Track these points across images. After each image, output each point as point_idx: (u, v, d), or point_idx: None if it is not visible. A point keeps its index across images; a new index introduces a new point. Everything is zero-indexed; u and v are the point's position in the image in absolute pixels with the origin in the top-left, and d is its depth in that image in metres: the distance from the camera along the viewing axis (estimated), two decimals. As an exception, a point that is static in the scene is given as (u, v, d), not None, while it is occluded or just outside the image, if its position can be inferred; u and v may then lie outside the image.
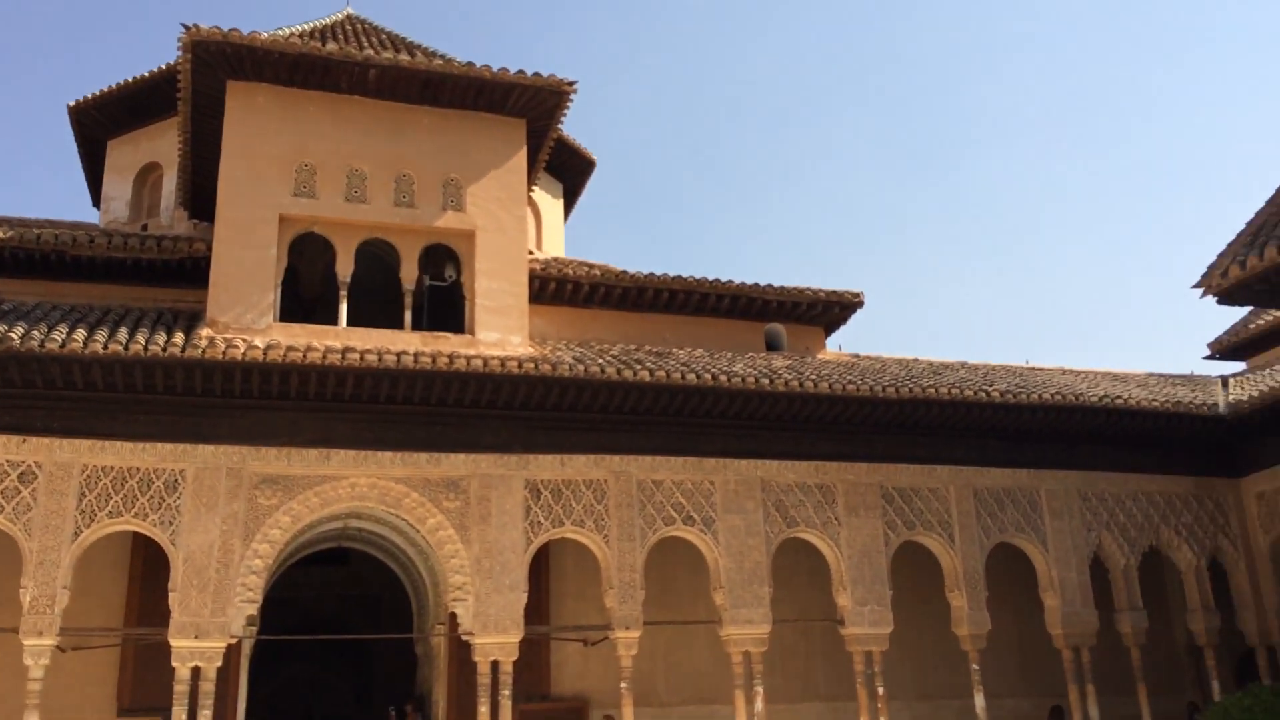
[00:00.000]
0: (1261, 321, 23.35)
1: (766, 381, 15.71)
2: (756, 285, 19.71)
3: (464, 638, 14.67)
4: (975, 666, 16.61)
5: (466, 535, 14.75)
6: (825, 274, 66.34)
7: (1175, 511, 18.37)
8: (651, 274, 19.18)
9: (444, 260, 17.41)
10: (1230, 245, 13.71)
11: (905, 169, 62.70)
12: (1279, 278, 13.10)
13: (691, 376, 15.40)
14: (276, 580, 17.18)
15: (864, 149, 63.16)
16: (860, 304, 20.40)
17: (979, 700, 16.46)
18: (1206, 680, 18.10)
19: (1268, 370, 19.73)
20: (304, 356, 13.87)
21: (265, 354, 13.74)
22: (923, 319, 57.80)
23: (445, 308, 17.53)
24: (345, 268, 16.37)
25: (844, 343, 27.75)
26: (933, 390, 16.57)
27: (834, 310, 20.49)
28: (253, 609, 13.88)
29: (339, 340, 15.28)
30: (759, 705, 15.37)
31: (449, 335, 16.25)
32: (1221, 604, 18.32)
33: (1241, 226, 13.80)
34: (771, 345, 20.16)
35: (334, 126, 16.67)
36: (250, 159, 16.08)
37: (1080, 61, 60.95)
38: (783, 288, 19.92)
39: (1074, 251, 61.07)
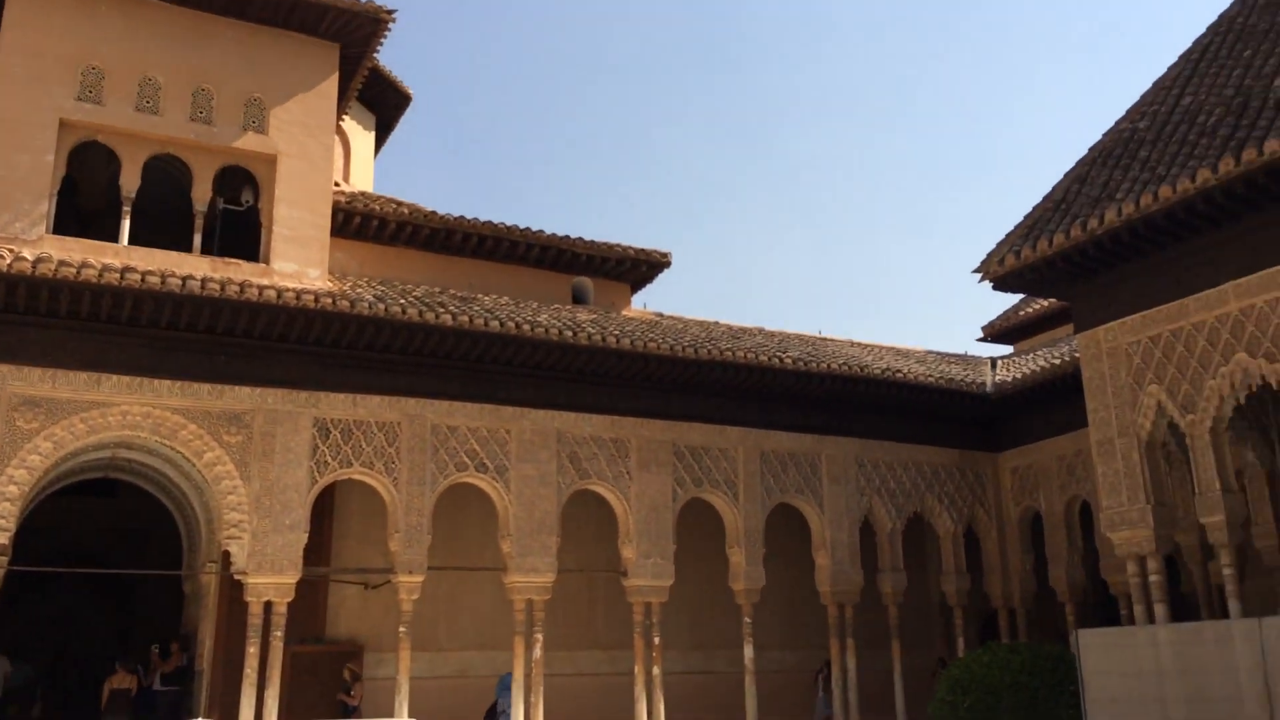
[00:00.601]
0: (1031, 309, 25.12)
1: (570, 334, 15.76)
2: (567, 237, 19.71)
3: (237, 577, 14.18)
4: (747, 619, 17.33)
5: (247, 472, 14.21)
6: (636, 232, 66.90)
7: (940, 481, 19.64)
8: (461, 217, 18.86)
9: (242, 184, 16.57)
10: (1009, 236, 14.67)
11: (723, 136, 63.83)
12: (1049, 269, 14.13)
13: (495, 324, 15.28)
14: (34, 510, 16.08)
15: (685, 112, 63.86)
16: (668, 264, 20.74)
17: (748, 651, 17.21)
18: (954, 637, 19.54)
19: (1032, 355, 21.27)
20: (78, 273, 12.94)
21: (34, 268, 12.73)
22: (727, 284, 59.29)
23: (240, 234, 16.71)
24: (130, 182, 15.36)
25: (649, 301, 28.18)
26: (730, 353, 17.04)
27: (642, 268, 20.74)
28: (4, 538, 12.96)
29: (118, 259, 14.34)
30: (537, 652, 15.56)
31: (241, 263, 15.53)
32: (973, 568, 19.77)
33: (1020, 219, 14.80)
34: (578, 299, 20.24)
35: (127, 29, 15.54)
36: (30, 56, 14.82)
37: (896, 49, 63.48)
38: (593, 242, 19.99)
39: (871, 230, 63.92)
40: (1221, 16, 14.76)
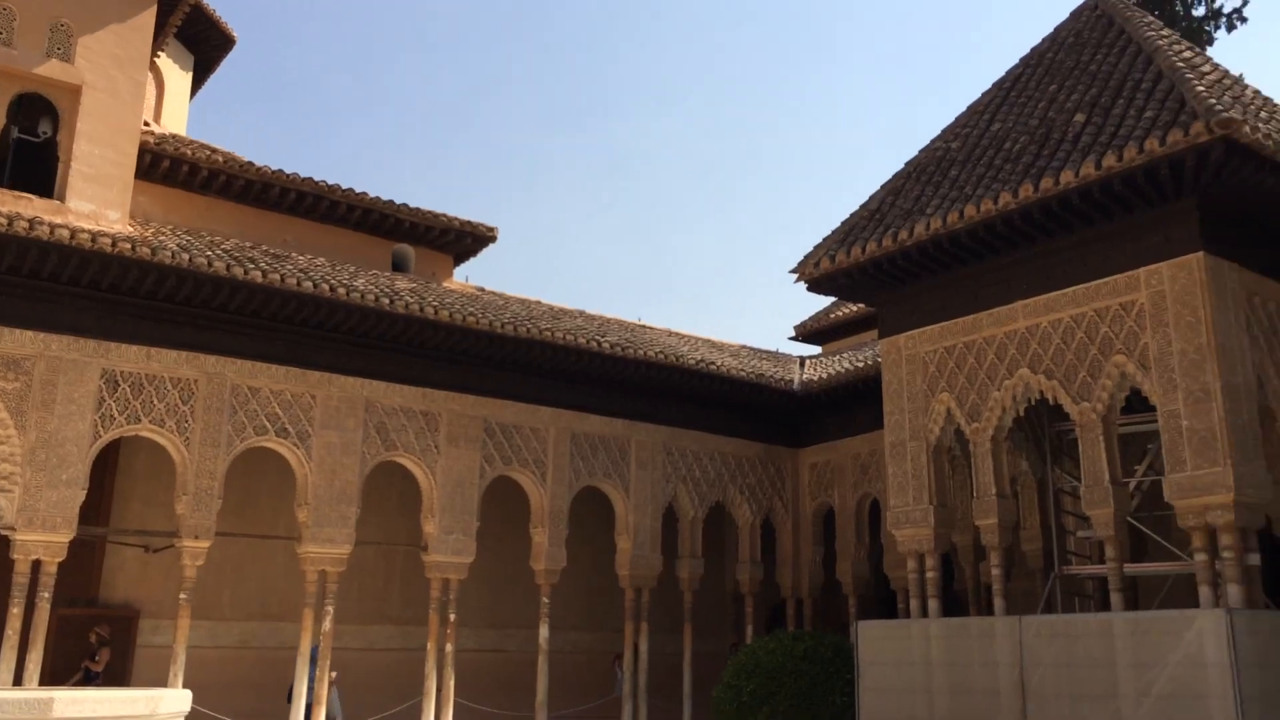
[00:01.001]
0: (841, 313, 26.08)
1: (386, 301, 15.39)
2: (391, 203, 19.23)
3: (3, 533, 13.24)
4: (545, 600, 17.39)
5: (23, 421, 13.28)
6: (462, 204, 65.99)
7: (743, 473, 20.18)
8: (280, 171, 18.13)
9: (41, 114, 15.44)
10: (826, 239, 15.17)
11: (557, 116, 63.60)
12: (860, 275, 14.70)
13: (308, 285, 14.75)
14: None
15: (518, 87, 63.28)
16: (493, 238, 20.52)
17: (544, 631, 17.27)
18: (744, 625, 20.17)
19: (838, 356, 22.11)
20: None
21: None
22: (550, 264, 59.20)
23: (36, 168, 15.56)
24: (-91, 98, 14.08)
25: (472, 275, 27.80)
26: (549, 334, 17.00)
27: (466, 240, 20.45)
28: None
29: (-112, 180, 13.13)
30: (327, 624, 15.17)
31: (34, 198, 14.46)
32: (767, 559, 20.42)
33: (837, 225, 15.34)
34: (398, 266, 19.79)
35: (-85, -70, 14.20)
36: None
37: (728, 45, 64.65)
38: (418, 210, 19.58)
39: (695, 223, 65.04)
40: (1033, 50, 15.64)
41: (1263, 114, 12.26)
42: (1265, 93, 13.82)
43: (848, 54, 66.82)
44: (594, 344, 17.57)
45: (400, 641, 18.58)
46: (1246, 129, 10.98)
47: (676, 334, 22.52)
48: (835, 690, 14.58)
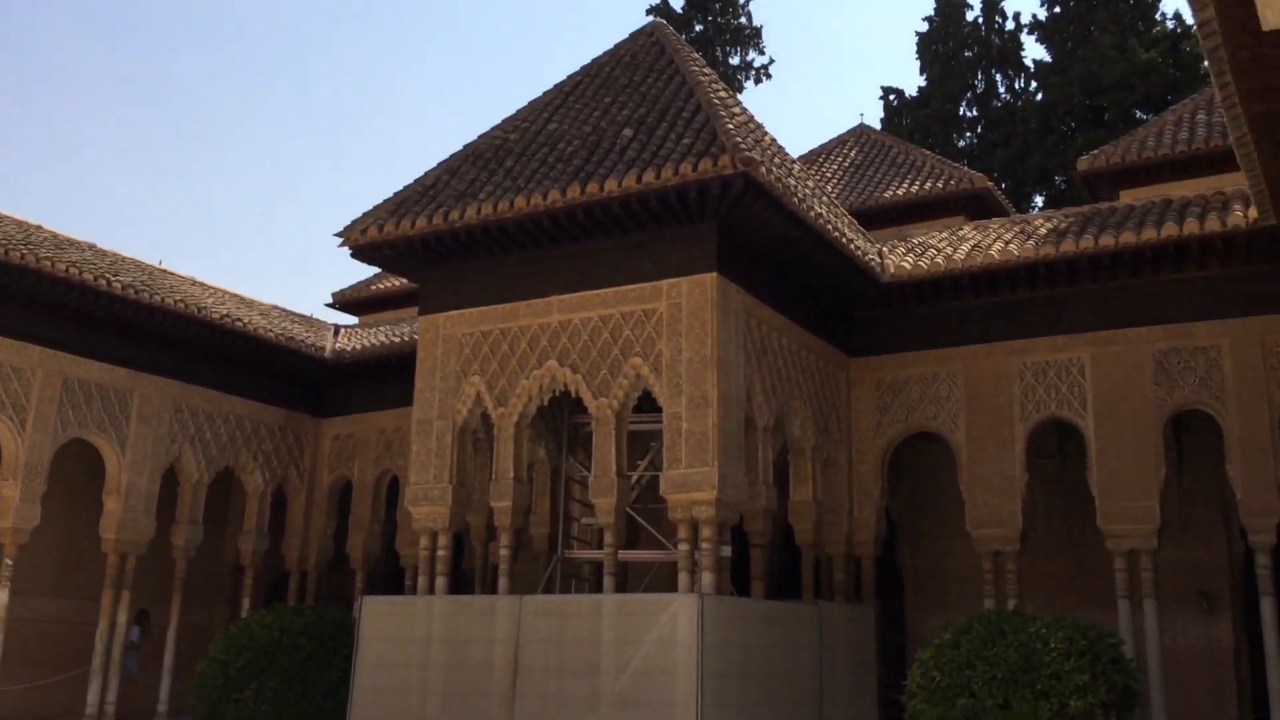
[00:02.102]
0: (383, 286, 25.78)
1: None
2: None
3: None
4: (9, 561, 15.40)
5: None
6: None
7: (260, 438, 19.22)
8: None
9: None
10: (376, 208, 14.86)
11: (91, 22, 56.72)
12: (408, 249, 14.56)
13: None
14: None
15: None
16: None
17: (2, 596, 15.29)
18: (240, 596, 19.22)
19: (376, 329, 21.77)
20: None
21: None
22: (63, 191, 52.67)
23: None
24: None
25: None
26: (48, 263, 15.06)
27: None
28: None
29: None
30: None
31: None
32: (275, 530, 19.62)
33: (389, 196, 15.08)
34: None
35: None
36: None
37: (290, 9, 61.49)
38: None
39: (238, 173, 61.09)
40: (594, 62, 16.44)
41: (776, 160, 13.85)
42: (780, 143, 15.64)
43: (419, 29, 66.28)
44: (102, 282, 15.86)
45: None
46: (763, 169, 12.33)
47: (202, 284, 20.91)
48: (332, 666, 14.33)
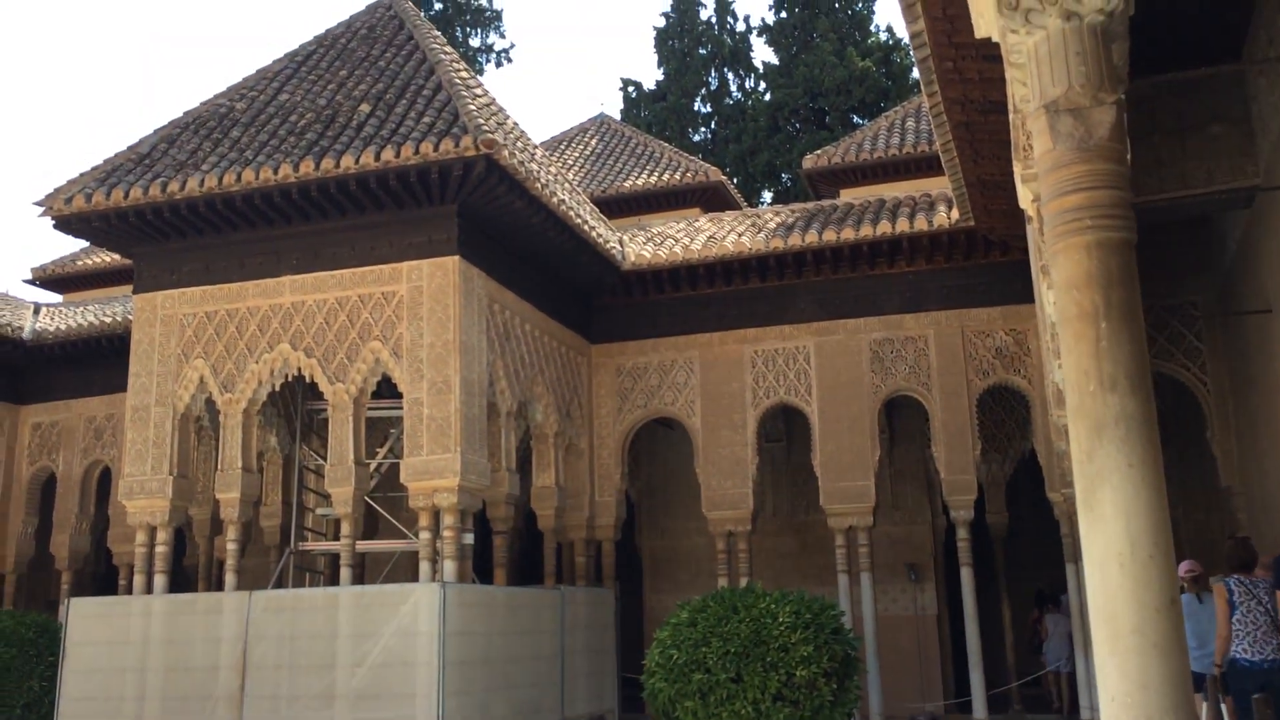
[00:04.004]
0: (91, 261, 23.75)
1: None
2: None
3: None
4: None
5: None
6: None
7: (-56, 428, 17.26)
8: None
9: None
10: (84, 175, 13.67)
11: None
12: (120, 222, 13.46)
13: None
14: None
15: None
16: None
17: None
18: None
19: (83, 308, 20.01)
20: None
21: None
22: None
23: None
24: None
25: None
26: None
27: None
28: None
29: None
30: None
31: None
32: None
33: (99, 163, 13.89)
34: None
35: None
36: None
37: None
38: None
39: (-82, 131, 54.58)
40: (328, 32, 15.78)
41: (519, 144, 13.81)
42: (522, 127, 15.60)
43: (132, -16, 61.38)
44: None
45: None
46: (506, 152, 12.25)
47: None
48: (34, 675, 13.13)
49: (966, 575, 14.65)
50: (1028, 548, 18.38)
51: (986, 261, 15.00)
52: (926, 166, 20.13)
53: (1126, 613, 4.66)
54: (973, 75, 9.43)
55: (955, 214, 14.53)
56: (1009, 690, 16.77)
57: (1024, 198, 8.59)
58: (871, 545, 15.00)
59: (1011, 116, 7.95)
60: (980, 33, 5.81)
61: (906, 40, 16.98)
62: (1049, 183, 5.25)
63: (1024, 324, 14.72)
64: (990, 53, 7.97)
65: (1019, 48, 5.41)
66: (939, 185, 16.34)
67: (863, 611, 14.71)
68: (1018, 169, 8.22)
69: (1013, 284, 14.58)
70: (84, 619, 12.77)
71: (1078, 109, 5.15)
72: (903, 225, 14.87)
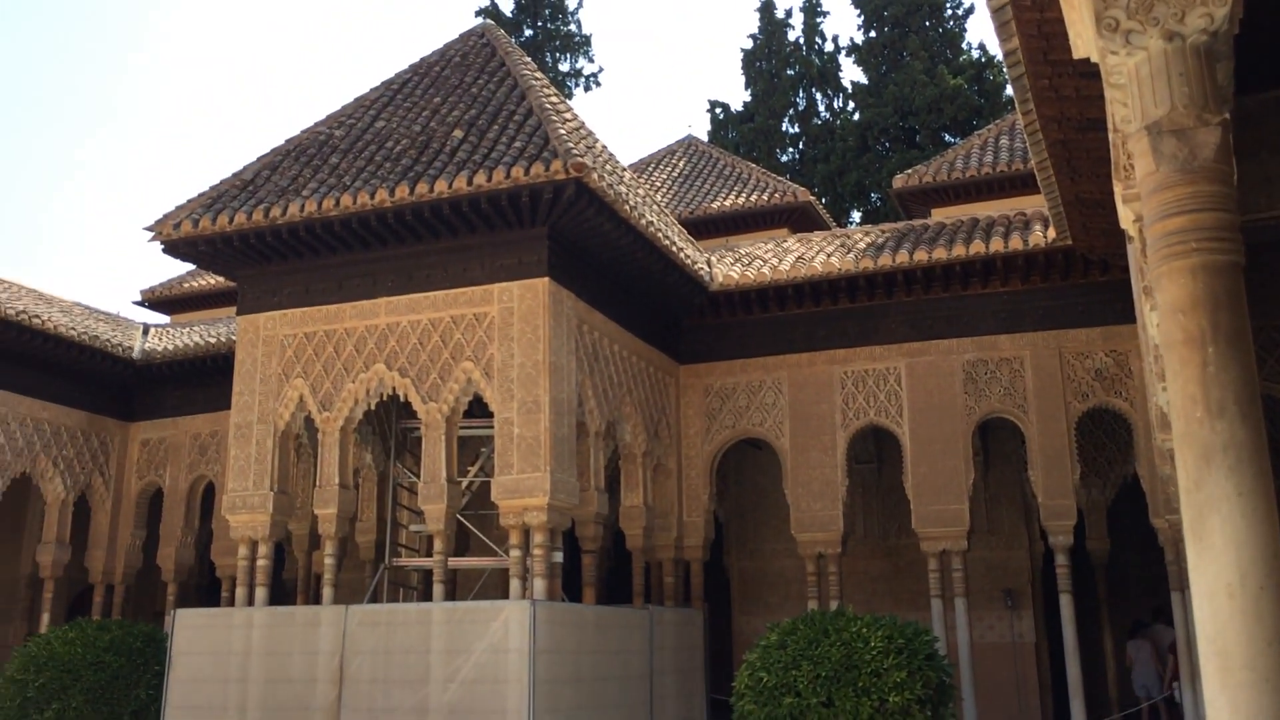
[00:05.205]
0: (197, 283, 24.62)
1: None
2: None
3: None
4: None
5: None
6: None
7: (60, 443, 18.03)
8: None
9: None
10: (191, 202, 14.18)
11: None
12: (225, 246, 13.95)
13: None
14: None
15: None
16: None
17: None
18: (39, 611, 17.98)
19: (189, 329, 20.75)
20: None
21: None
22: None
23: None
24: None
25: None
26: None
27: None
28: None
29: None
30: None
31: None
32: (77, 540, 18.43)
33: (205, 189, 14.42)
34: None
35: None
36: None
37: (104, -28, 58.15)
38: None
39: (36, 162, 57.23)
40: (423, 60, 16.17)
41: (608, 166, 13.96)
42: (610, 150, 15.76)
43: (230, 17, 63.66)
44: (-119, 275, 14.56)
45: None
46: (595, 175, 12.39)
47: (-6, 278, 19.50)
48: (142, 684, 13.56)
49: (1066, 602, 14.28)
50: (1131, 575, 17.87)
51: (1085, 281, 14.67)
52: (1021, 185, 19.79)
53: (1238, 647, 4.51)
54: (1070, 92, 9.26)
55: (1052, 233, 14.25)
56: (1110, 722, 16.28)
57: (1125, 218, 8.40)
58: (966, 570, 14.72)
59: (1111, 136, 7.78)
60: (1079, 53, 5.72)
61: (1000, 58, 16.76)
62: (1152, 205, 5.14)
63: (1125, 345, 14.34)
64: (1088, 70, 7.83)
65: (1119, 69, 5.31)
66: (1034, 204, 16.04)
67: (957, 638, 14.43)
68: (1118, 189, 8.04)
69: (1113, 304, 14.24)
70: (189, 630, 13.20)
71: (1181, 130, 5.03)
72: (997, 244, 14.63)
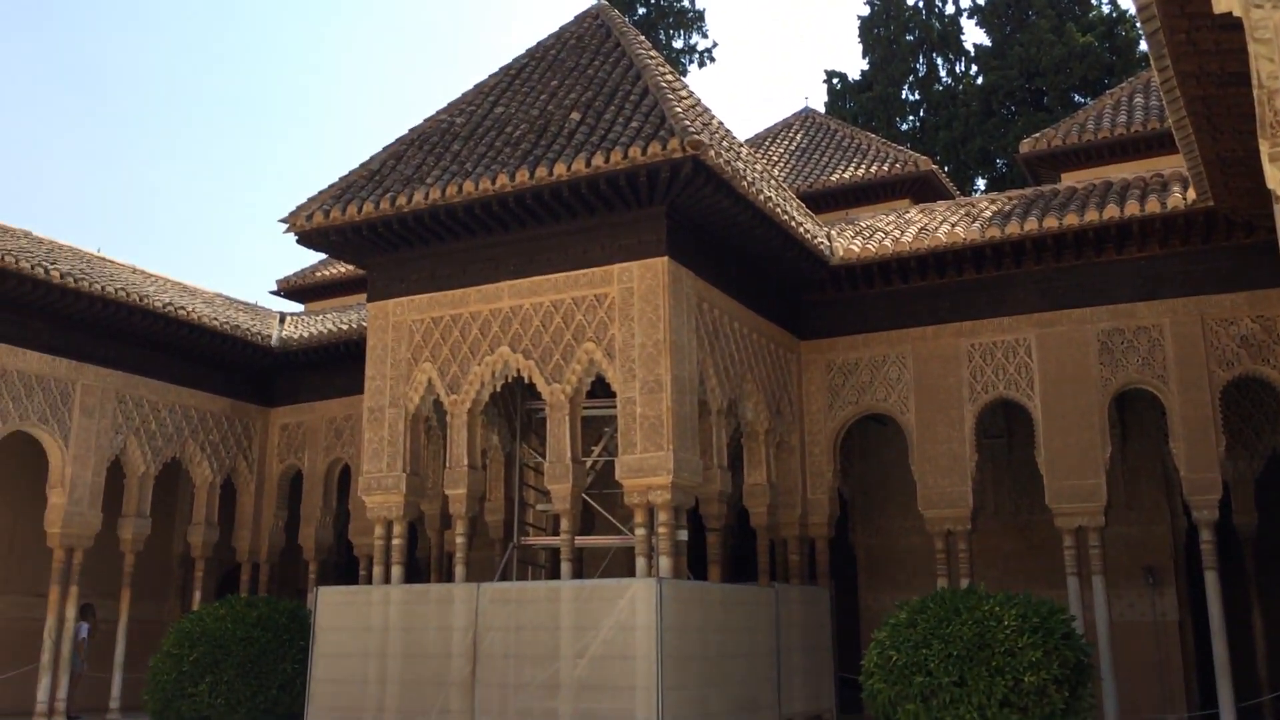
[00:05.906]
0: (329, 272, 25.44)
1: None
2: None
3: None
4: (-49, 561, 15.03)
5: None
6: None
7: (206, 428, 18.91)
8: None
9: None
10: (321, 194, 14.65)
11: (14, 10, 55.18)
12: (354, 235, 14.38)
13: None
14: None
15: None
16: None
17: (-55, 597, 14.94)
18: (192, 590, 18.94)
19: (322, 316, 21.49)
20: None
21: None
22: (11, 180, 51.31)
23: None
24: None
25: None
26: (-18, 253, 14.65)
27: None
28: None
29: None
30: None
31: None
32: (225, 521, 19.34)
33: (334, 181, 14.87)
34: None
35: None
36: None
37: (234, -27, 60.29)
38: None
39: (177, 159, 59.88)
40: (539, 45, 16.31)
41: (724, 143, 13.86)
42: (726, 126, 15.65)
43: (357, 9, 65.34)
44: (40, 270, 15.48)
45: None
46: (712, 152, 12.33)
47: (143, 272, 20.48)
48: (287, 658, 14.19)
49: (1211, 580, 13.69)
50: (1282, 550, 17.01)
51: (1229, 244, 13.97)
52: (1157, 145, 18.91)
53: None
54: (1209, 47, 8.81)
55: (1192, 194, 13.59)
56: (1261, 704, 15.57)
57: (1272, 177, 7.96)
58: (1104, 546, 14.23)
59: (1256, 92, 7.37)
60: (1220, 8, 5.44)
61: (1133, 12, 16.02)
62: (1302, 162, 4.86)
63: (1273, 310, 13.61)
64: (1228, 22, 7.43)
65: (1264, 23, 5.04)
66: (1171, 164, 15.33)
67: (1095, 616, 13.98)
68: (1264, 147, 7.62)
69: (1259, 267, 13.53)
70: (331, 606, 13.72)
71: (1334, 81, 4.75)
72: (1132, 208, 14.04)
